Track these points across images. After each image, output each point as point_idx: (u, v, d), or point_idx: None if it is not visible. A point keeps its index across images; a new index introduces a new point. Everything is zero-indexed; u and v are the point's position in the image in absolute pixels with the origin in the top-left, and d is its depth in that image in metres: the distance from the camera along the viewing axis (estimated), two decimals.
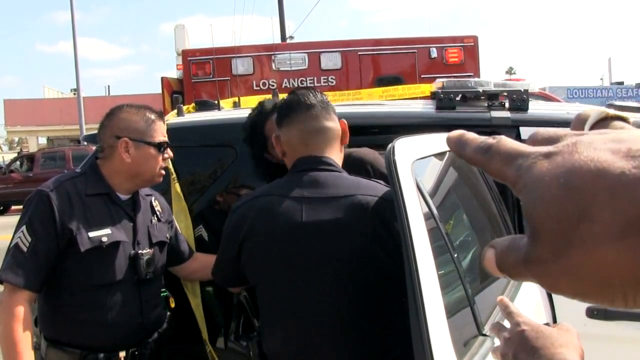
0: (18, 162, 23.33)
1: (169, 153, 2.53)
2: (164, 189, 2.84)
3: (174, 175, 2.90)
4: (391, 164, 1.53)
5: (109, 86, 45.90)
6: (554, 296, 2.51)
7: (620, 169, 0.39)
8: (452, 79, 3.14)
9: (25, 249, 2.24)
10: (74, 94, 28.71)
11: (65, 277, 2.32)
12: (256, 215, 2.02)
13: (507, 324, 1.17)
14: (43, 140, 43.34)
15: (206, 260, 2.77)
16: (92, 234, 2.30)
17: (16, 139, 45.26)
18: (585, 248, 0.39)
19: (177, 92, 8.67)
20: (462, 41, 8.80)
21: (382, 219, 1.87)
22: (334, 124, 2.08)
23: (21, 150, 35.07)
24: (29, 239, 2.25)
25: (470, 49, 8.76)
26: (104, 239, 2.32)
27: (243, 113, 3.32)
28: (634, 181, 0.38)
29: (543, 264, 0.42)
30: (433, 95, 3.19)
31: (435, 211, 1.67)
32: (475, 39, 8.87)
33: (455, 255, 1.73)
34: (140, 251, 2.42)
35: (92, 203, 2.37)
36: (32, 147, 36.55)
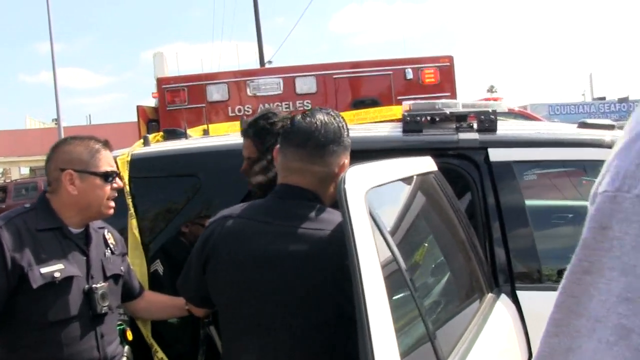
0: None
1: (118, 183, 2.47)
2: (122, 226, 2.78)
3: (132, 210, 2.83)
4: (342, 194, 1.46)
5: (90, 115, 45.82)
6: (529, 328, 2.45)
7: None
8: (420, 102, 3.09)
9: None
10: (56, 123, 28.60)
11: (17, 315, 2.23)
12: (223, 236, 1.98)
13: None
14: (25, 171, 43.08)
15: (155, 299, 2.74)
16: (44, 270, 2.22)
17: (0, 170, 44.93)
18: None
19: (153, 120, 8.57)
20: (437, 61, 8.77)
21: (342, 256, 1.78)
22: (322, 168, 1.94)
23: (4, 181, 34.91)
24: None
25: (446, 69, 8.73)
26: (57, 275, 2.24)
27: (209, 141, 3.27)
28: None
29: None
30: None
31: (391, 242, 1.60)
32: (450, 59, 8.85)
33: (414, 289, 1.66)
34: (94, 285, 2.35)
35: (43, 238, 2.29)
36: (14, 178, 36.27)
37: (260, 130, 2.58)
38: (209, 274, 2.01)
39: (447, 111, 2.93)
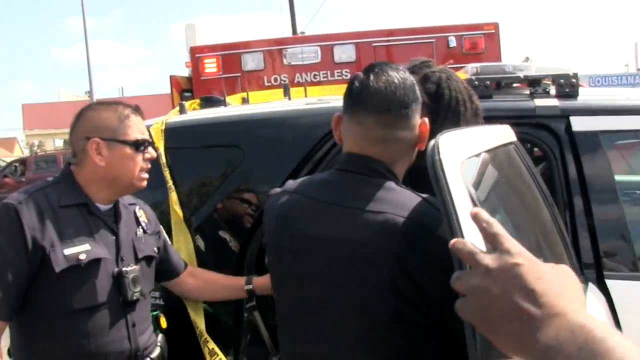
0: (12, 167, 23.54)
1: (150, 153, 2.19)
2: (160, 199, 2.53)
3: (170, 183, 2.56)
4: (436, 165, 1.15)
5: (122, 88, 46.02)
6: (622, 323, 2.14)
7: None
8: (487, 64, 2.75)
9: None
10: (89, 96, 28.74)
11: (39, 302, 2.00)
12: (273, 214, 1.70)
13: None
14: (60, 143, 43.65)
15: (209, 278, 2.47)
16: (67, 251, 1.98)
17: (36, 142, 45.69)
18: None
19: (187, 90, 8.36)
20: (482, 28, 8.35)
21: (405, 249, 1.43)
22: (409, 133, 1.60)
23: (36, 153, 35.36)
24: None
25: (491, 36, 8.33)
26: (82, 256, 2.00)
27: (251, 109, 2.98)
28: None
29: None
30: None
31: None
32: (496, 25, 8.41)
33: None
34: (124, 268, 2.10)
35: (67, 215, 2.04)
36: (49, 150, 36.70)
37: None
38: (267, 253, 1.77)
39: (521, 74, 2.59)
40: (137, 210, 2.30)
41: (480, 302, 0.86)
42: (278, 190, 1.76)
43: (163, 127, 2.67)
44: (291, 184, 1.74)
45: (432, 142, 1.21)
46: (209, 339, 2.43)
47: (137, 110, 2.21)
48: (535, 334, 0.79)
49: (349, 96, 1.64)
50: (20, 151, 47.36)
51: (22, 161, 24.33)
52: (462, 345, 1.36)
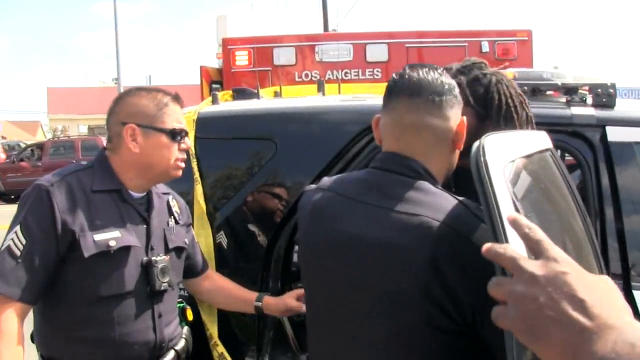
0: (29, 151, 23.47)
1: (186, 143, 2.18)
2: (186, 191, 2.52)
3: (197, 175, 2.56)
4: (481, 168, 1.15)
5: (150, 76, 46.13)
6: None
7: None
8: (525, 69, 2.74)
9: (18, 253, 1.91)
10: (116, 83, 28.83)
11: (65, 287, 1.99)
12: (307, 211, 1.69)
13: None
14: (84, 129, 43.85)
15: (221, 285, 2.46)
16: (97, 237, 1.98)
17: (59, 127, 45.92)
18: None
19: (216, 82, 8.37)
20: (515, 35, 8.32)
21: (438, 252, 1.41)
22: (441, 122, 1.57)
23: (57, 138, 35.50)
24: (24, 241, 1.92)
25: (523, 43, 8.30)
26: (112, 243, 2.00)
27: (285, 103, 2.98)
28: None
29: None
30: None
31: None
32: (529, 33, 8.37)
33: None
34: (154, 258, 2.09)
35: (99, 201, 2.04)
36: (73, 136, 36.90)
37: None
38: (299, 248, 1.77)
39: (559, 82, 2.57)
40: (170, 200, 2.29)
41: (525, 310, 0.82)
42: (313, 186, 1.77)
43: (195, 117, 2.67)
44: (326, 181, 1.74)
45: (476, 143, 1.21)
46: (218, 342, 2.44)
47: (176, 98, 2.20)
48: (590, 345, 0.77)
49: (387, 91, 1.65)
50: (43, 135, 47.64)
51: (40, 145, 23.90)
52: (494, 355, 1.36)
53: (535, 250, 0.86)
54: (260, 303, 2.36)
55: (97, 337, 2.00)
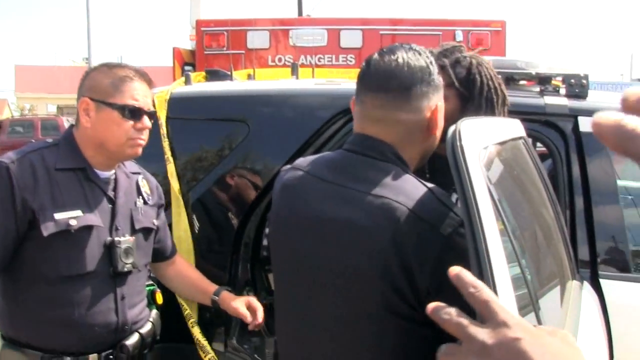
0: None
1: (143, 123, 2.06)
2: (158, 171, 2.47)
3: (168, 155, 2.51)
4: (457, 152, 1.15)
5: (121, 56, 45.55)
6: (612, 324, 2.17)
7: None
8: (500, 58, 2.75)
9: None
10: (87, 62, 28.36)
11: (25, 267, 1.95)
12: (279, 189, 1.68)
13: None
14: (53, 108, 43.13)
15: (184, 272, 2.42)
16: (58, 216, 1.92)
17: (27, 106, 45.07)
18: None
19: (188, 64, 8.30)
20: (489, 25, 8.39)
21: (402, 236, 1.39)
22: (412, 116, 1.53)
23: (18, 117, 34.68)
24: None
25: (497, 33, 8.35)
26: (73, 222, 1.94)
27: (258, 85, 2.95)
28: None
29: None
30: None
31: (505, 215, 1.30)
32: (503, 23, 8.45)
33: (524, 268, 1.38)
34: (117, 238, 2.04)
35: (62, 179, 1.98)
36: (41, 114, 36.19)
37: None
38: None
39: (533, 71, 2.59)
40: (140, 180, 2.23)
41: None
42: (289, 167, 1.76)
43: (167, 97, 2.63)
44: (301, 161, 1.72)
45: (452, 128, 1.20)
46: (195, 324, 2.41)
47: (141, 75, 2.09)
48: None
49: (357, 79, 1.61)
50: (10, 114, 46.64)
51: None
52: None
53: (483, 313, 0.79)
54: (217, 297, 2.32)
55: (57, 317, 1.96)
